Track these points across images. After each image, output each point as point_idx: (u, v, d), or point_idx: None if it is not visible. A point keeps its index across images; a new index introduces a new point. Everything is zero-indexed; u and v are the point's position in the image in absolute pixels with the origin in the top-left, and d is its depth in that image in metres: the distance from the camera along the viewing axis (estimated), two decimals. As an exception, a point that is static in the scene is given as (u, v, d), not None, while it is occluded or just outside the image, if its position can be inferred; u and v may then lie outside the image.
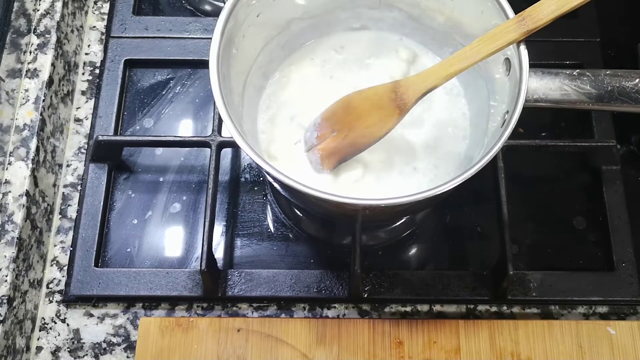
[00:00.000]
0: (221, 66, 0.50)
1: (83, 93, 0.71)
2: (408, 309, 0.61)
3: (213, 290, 0.60)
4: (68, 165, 0.67)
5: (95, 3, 0.75)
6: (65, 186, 0.66)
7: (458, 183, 0.46)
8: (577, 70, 0.52)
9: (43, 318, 0.61)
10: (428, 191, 0.46)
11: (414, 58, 0.61)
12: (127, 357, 0.60)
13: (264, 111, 0.59)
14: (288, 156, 0.57)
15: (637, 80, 0.51)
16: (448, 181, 0.46)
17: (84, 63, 0.72)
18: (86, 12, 0.74)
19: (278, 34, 0.58)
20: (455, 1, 0.55)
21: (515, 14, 0.49)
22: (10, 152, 0.62)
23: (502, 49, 0.48)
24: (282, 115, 0.59)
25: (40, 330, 0.61)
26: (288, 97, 0.60)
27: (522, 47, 0.49)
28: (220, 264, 0.62)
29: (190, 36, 0.71)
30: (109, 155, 0.65)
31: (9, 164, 0.61)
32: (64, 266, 0.63)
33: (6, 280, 0.56)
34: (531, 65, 0.49)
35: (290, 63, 0.61)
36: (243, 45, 0.55)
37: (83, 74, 0.72)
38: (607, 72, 0.51)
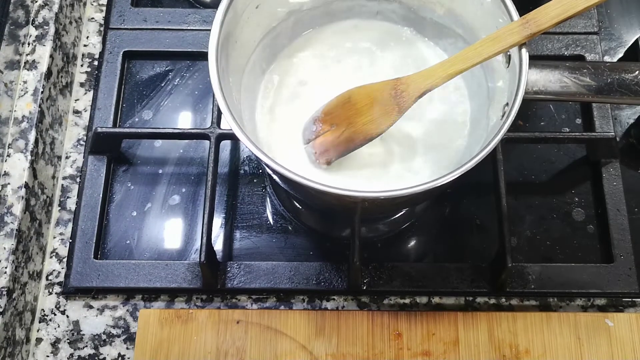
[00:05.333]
0: (220, 58, 0.50)
1: (82, 85, 0.71)
2: (407, 301, 0.61)
3: (212, 282, 0.60)
4: (67, 157, 0.67)
5: (93, -6, 0.75)
6: (64, 178, 0.66)
7: (457, 175, 0.46)
8: (577, 63, 0.52)
9: (43, 310, 0.61)
10: (427, 183, 0.46)
11: (414, 50, 0.61)
12: (127, 348, 0.60)
13: (263, 102, 0.59)
14: (287, 148, 0.57)
15: (637, 72, 0.51)
16: (447, 173, 0.46)
17: (83, 55, 0.72)
18: (84, 4, 0.74)
19: (277, 25, 0.58)
20: (455, -7, 0.55)
21: (516, 7, 0.49)
22: (9, 144, 0.61)
23: (504, 51, 0.49)
24: (280, 107, 0.59)
25: (40, 322, 0.61)
26: (286, 87, 0.60)
27: (523, 47, 0.49)
28: (219, 256, 0.62)
29: (189, 28, 0.71)
30: (108, 147, 0.65)
31: (8, 155, 0.61)
32: (64, 258, 0.63)
33: (5, 272, 0.57)
34: (531, 58, 0.49)
35: (289, 54, 0.61)
36: (242, 36, 0.54)
37: (82, 65, 0.71)
38: (607, 64, 0.51)
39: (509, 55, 0.51)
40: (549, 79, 0.50)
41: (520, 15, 0.49)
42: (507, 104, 0.50)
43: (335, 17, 0.61)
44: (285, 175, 0.46)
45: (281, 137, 0.58)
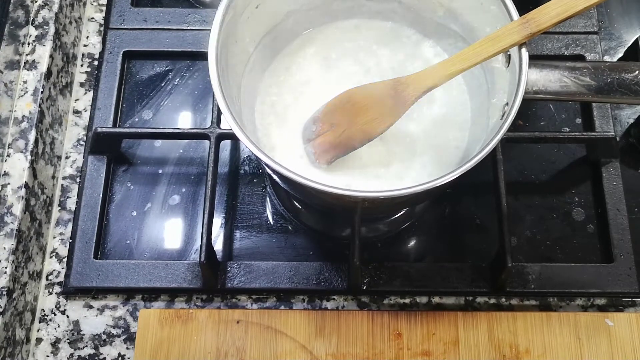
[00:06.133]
0: (220, 58, 0.50)
1: (82, 85, 0.71)
2: (407, 300, 0.61)
3: (212, 282, 0.60)
4: (67, 157, 0.67)
5: (93, -6, 0.75)
6: (64, 178, 0.66)
7: (457, 175, 0.46)
8: (577, 62, 0.52)
9: (43, 310, 0.61)
10: (427, 183, 0.46)
11: (414, 49, 0.61)
12: (127, 348, 0.60)
13: (263, 102, 0.59)
14: (287, 148, 0.57)
15: (637, 72, 0.51)
16: (447, 173, 0.46)
17: (83, 55, 0.72)
18: (84, 4, 0.74)
19: (277, 24, 0.58)
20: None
21: (516, 6, 0.49)
22: (9, 144, 0.61)
23: (504, 50, 0.49)
24: (280, 107, 0.59)
25: (40, 322, 0.61)
26: (286, 87, 0.60)
27: (523, 47, 0.49)
28: (219, 256, 0.62)
29: (189, 28, 0.71)
30: (108, 147, 0.65)
31: (8, 155, 0.61)
32: (64, 258, 0.63)
33: (6, 272, 0.57)
34: (531, 57, 0.49)
35: (289, 53, 0.61)
36: (242, 36, 0.54)
37: (82, 65, 0.72)
38: (607, 64, 0.51)
39: (509, 55, 0.51)
40: (549, 79, 0.50)
41: (520, 15, 0.49)
42: (507, 104, 0.49)
43: (335, 17, 0.61)
44: (285, 175, 0.46)
45: (281, 137, 0.58)
